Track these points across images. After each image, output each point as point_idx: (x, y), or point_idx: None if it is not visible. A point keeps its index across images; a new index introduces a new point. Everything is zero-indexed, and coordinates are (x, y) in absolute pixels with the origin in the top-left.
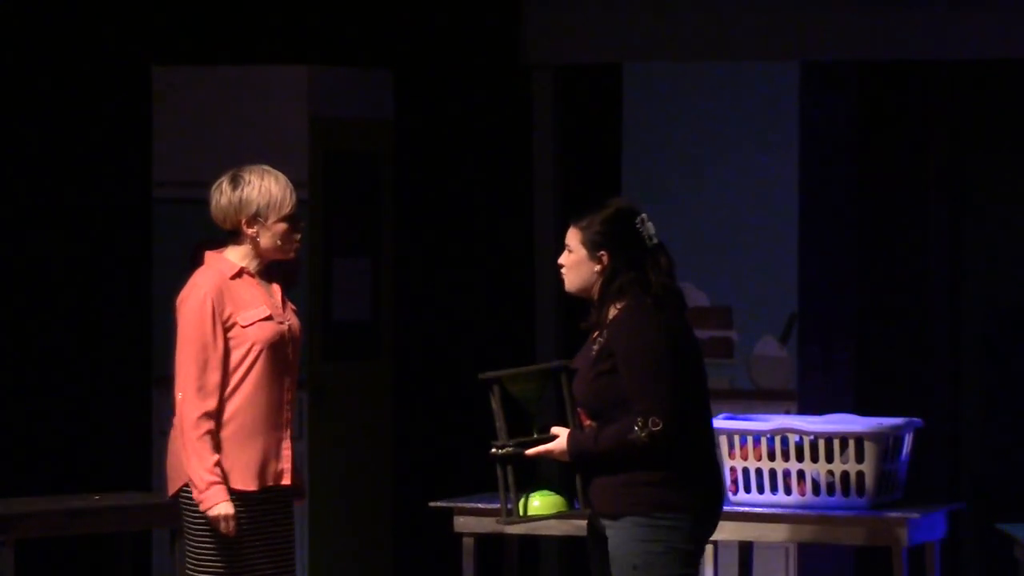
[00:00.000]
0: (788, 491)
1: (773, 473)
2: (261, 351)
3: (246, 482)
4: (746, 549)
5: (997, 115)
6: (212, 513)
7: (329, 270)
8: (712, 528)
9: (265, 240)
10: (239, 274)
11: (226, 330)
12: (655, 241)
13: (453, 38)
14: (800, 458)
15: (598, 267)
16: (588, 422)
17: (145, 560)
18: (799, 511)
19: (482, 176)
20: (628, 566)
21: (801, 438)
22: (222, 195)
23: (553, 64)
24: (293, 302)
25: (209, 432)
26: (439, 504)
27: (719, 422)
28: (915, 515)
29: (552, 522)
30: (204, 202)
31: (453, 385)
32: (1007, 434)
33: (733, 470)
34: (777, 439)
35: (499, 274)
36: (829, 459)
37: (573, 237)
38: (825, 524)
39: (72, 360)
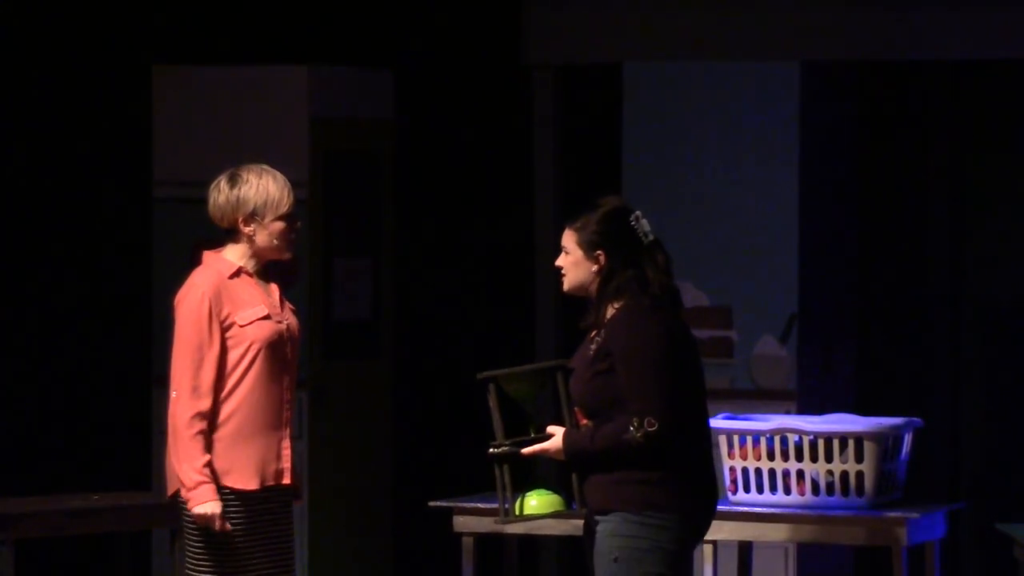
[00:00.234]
0: (788, 491)
1: (773, 473)
2: (260, 350)
3: (246, 481)
4: (745, 549)
5: (998, 115)
6: (198, 511)
7: (329, 270)
8: (703, 530)
9: (262, 239)
10: (237, 273)
11: (224, 329)
12: (651, 238)
13: (453, 38)
14: (800, 458)
15: (595, 267)
16: (585, 421)
17: (145, 560)
18: (799, 511)
19: (482, 176)
20: (609, 557)
21: (801, 438)
22: (220, 193)
23: (553, 64)
24: (293, 302)
25: (201, 432)
26: (439, 504)
27: (719, 422)
28: (915, 515)
29: (551, 522)
30: (204, 201)
31: (453, 385)
32: (1007, 434)
33: (733, 470)
34: (777, 439)
35: (499, 274)
36: (829, 459)
37: (569, 239)
38: (825, 524)
39: (72, 359)
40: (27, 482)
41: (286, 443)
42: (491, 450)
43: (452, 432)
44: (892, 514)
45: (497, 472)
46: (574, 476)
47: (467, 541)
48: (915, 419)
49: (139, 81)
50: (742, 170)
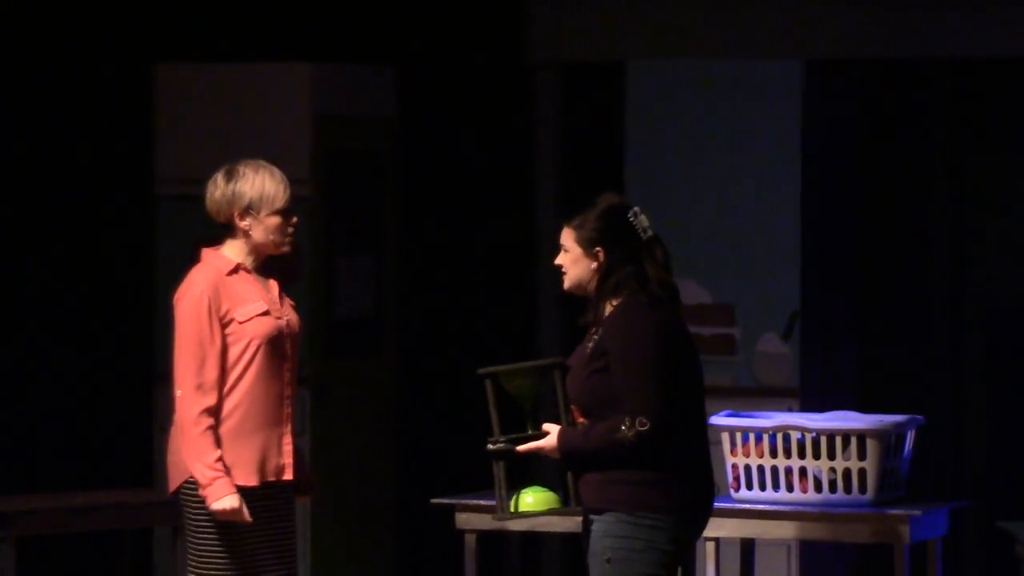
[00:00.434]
0: (790, 488)
1: (775, 470)
2: (259, 346)
3: (247, 477)
4: (748, 546)
5: (1000, 114)
6: (217, 507)
7: (331, 268)
8: (698, 531)
9: (258, 234)
10: (235, 270)
11: (223, 326)
12: (650, 234)
13: (456, 35)
14: (802, 455)
15: (594, 264)
16: (581, 419)
17: (146, 557)
18: (801, 508)
19: (484, 174)
20: (602, 558)
21: (803, 435)
22: (216, 188)
23: (556, 62)
24: (295, 300)
25: (210, 428)
26: (441, 501)
27: (721, 419)
28: (917, 512)
29: (554, 519)
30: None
31: (455, 382)
32: (1009, 432)
33: (735, 467)
34: (779, 436)
35: (502, 271)
36: (831, 456)
37: (567, 236)
38: (827, 521)
39: (74, 356)
40: (29, 479)
41: (287, 439)
42: (488, 447)
43: (454, 430)
44: (894, 511)
45: (495, 469)
46: (569, 475)
47: (469, 538)
48: (917, 416)
49: (141, 78)
50: (744, 168)
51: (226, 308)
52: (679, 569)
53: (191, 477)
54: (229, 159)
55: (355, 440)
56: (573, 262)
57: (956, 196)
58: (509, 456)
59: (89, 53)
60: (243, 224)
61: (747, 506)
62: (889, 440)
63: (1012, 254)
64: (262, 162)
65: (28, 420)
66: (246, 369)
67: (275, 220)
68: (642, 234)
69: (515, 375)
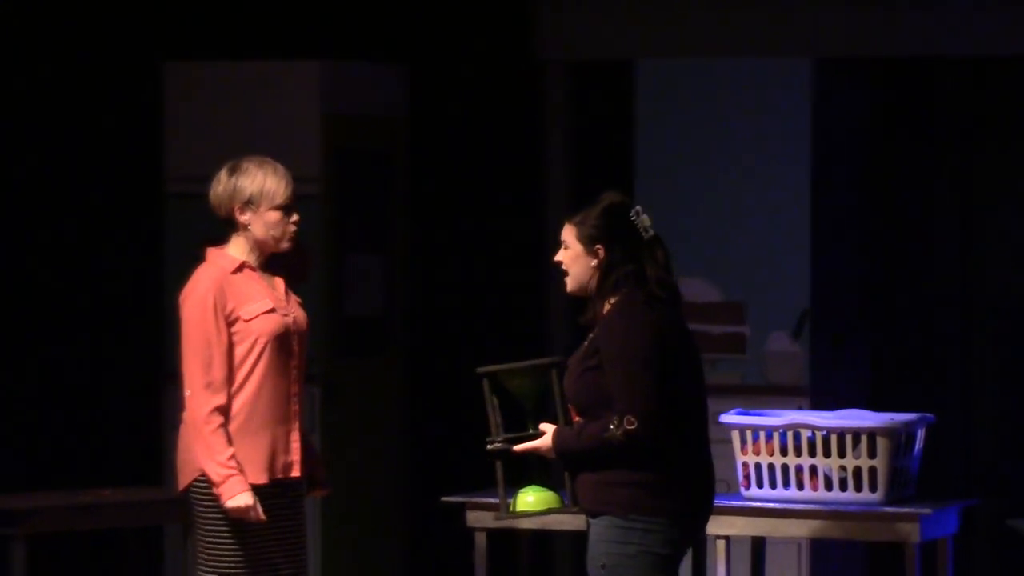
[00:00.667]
0: (800, 486)
1: (785, 468)
2: (266, 344)
3: (255, 475)
4: (759, 544)
5: (1010, 112)
6: (231, 504)
7: (341, 266)
8: (695, 533)
9: (258, 229)
10: (240, 268)
11: (229, 324)
12: (651, 234)
13: (466, 34)
14: (812, 453)
15: (594, 261)
16: (578, 419)
17: (156, 555)
18: (811, 506)
19: (495, 172)
20: (597, 564)
21: (813, 433)
22: (219, 183)
23: (566, 60)
24: (306, 298)
25: (221, 426)
26: (451, 499)
27: (731, 417)
28: (927, 511)
29: (563, 517)
30: None
31: (465, 380)
32: (1019, 430)
33: (745, 465)
34: (789, 434)
35: (511, 270)
36: (841, 454)
37: (568, 233)
38: (838, 520)
39: (83, 354)
40: (39, 477)
41: (295, 436)
42: (487, 446)
43: (464, 428)
44: (905, 510)
45: (496, 468)
46: (566, 474)
47: (479, 536)
48: (928, 415)
49: (151, 77)
50: (754, 166)
51: (231, 306)
52: (678, 570)
53: (201, 475)
54: (238, 157)
55: (365, 438)
56: (573, 259)
57: (966, 194)
58: (506, 456)
59: (98, 51)
60: (243, 218)
61: (757, 504)
62: (899, 438)
63: (1022, 252)
64: (267, 159)
65: (37, 418)
66: (253, 367)
67: (275, 215)
68: (643, 233)
69: (514, 374)
